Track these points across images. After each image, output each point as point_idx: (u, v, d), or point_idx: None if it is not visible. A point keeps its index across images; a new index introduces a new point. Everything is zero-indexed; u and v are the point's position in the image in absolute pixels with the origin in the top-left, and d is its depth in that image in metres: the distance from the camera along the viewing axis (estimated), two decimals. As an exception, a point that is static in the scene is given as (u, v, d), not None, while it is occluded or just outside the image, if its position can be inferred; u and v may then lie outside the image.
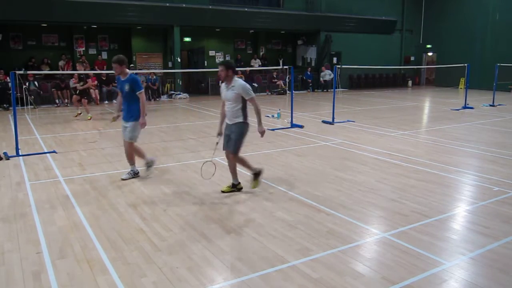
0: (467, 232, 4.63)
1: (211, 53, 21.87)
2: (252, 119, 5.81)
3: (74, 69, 17.99)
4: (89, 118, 12.73)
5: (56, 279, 3.62)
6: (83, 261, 3.94)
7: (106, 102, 17.14)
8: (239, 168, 6.01)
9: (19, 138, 8.41)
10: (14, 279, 3.64)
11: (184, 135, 10.27)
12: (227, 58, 22.20)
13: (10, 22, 16.85)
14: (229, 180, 6.15)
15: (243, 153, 6.17)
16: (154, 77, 18.77)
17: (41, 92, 16.64)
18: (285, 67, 13.78)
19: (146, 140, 9.71)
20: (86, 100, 13.29)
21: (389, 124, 11.96)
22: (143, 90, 6.45)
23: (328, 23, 22.99)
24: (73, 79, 17.05)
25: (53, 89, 16.72)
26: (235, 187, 5.98)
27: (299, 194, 5.85)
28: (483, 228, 4.69)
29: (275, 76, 21.98)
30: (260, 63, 22.59)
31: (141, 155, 6.78)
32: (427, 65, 27.05)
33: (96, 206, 5.41)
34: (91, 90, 16.76)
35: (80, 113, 13.13)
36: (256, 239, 4.42)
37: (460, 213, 5.23)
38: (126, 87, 6.32)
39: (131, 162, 6.68)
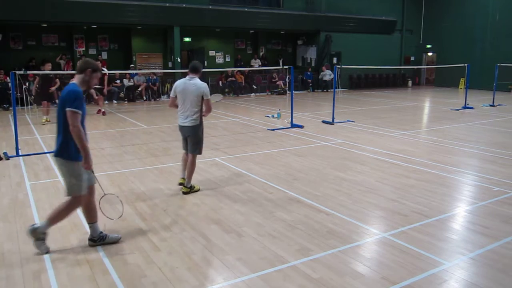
0: (467, 232, 4.63)
1: (211, 53, 21.88)
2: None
3: (75, 69, 18.00)
4: (44, 120, 12.08)
5: (56, 279, 3.62)
6: (83, 261, 3.94)
7: (106, 102, 17.12)
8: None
9: (19, 138, 8.41)
10: (14, 279, 3.64)
11: (184, 135, 10.26)
12: (227, 58, 22.25)
13: (10, 22, 16.85)
14: (228, 180, 6.15)
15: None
16: (154, 77, 18.77)
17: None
18: (285, 67, 13.78)
19: (146, 140, 9.72)
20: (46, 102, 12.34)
21: (389, 124, 11.96)
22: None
23: (328, 23, 22.99)
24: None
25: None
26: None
27: (299, 194, 5.85)
28: (483, 228, 4.69)
29: (274, 76, 21.98)
30: (260, 63, 22.60)
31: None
32: (427, 65, 27.05)
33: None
34: (92, 90, 16.77)
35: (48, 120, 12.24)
36: (256, 239, 4.42)
37: (460, 213, 5.23)
38: None
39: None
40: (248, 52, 23.65)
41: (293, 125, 11.33)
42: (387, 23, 25.15)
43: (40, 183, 6.41)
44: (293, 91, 12.32)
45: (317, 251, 4.13)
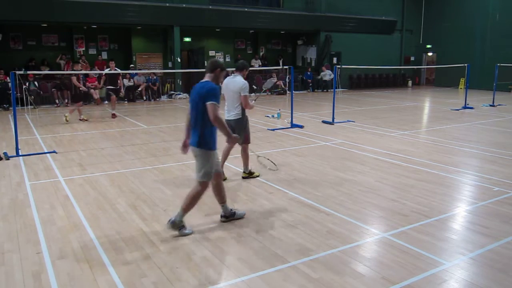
0: (467, 232, 4.63)
1: (211, 53, 21.86)
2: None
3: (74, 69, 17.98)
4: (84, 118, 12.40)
5: (56, 279, 3.62)
6: (83, 261, 3.94)
7: (106, 102, 17.12)
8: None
9: (19, 138, 8.41)
10: (14, 279, 3.64)
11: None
12: (227, 58, 22.22)
13: (10, 22, 16.84)
14: (228, 180, 6.15)
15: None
16: (154, 77, 18.77)
17: (41, 92, 16.65)
18: (285, 67, 13.76)
19: (146, 140, 9.73)
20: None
21: (389, 124, 11.96)
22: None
23: (328, 23, 22.98)
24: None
25: (53, 89, 16.72)
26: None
27: (299, 194, 5.85)
28: (483, 228, 4.69)
29: (274, 76, 21.97)
30: (260, 63, 22.59)
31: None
32: (427, 65, 27.04)
33: (96, 206, 5.41)
34: (92, 90, 16.76)
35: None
36: (256, 239, 4.42)
37: (460, 213, 5.23)
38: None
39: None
40: (248, 52, 23.63)
41: (293, 125, 11.33)
42: (387, 23, 25.13)
43: (40, 183, 6.41)
44: (293, 91, 12.33)
45: (317, 251, 4.13)
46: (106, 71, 12.73)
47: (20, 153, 8.11)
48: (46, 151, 8.51)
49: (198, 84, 4.59)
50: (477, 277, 3.67)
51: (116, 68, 13.21)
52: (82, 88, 12.20)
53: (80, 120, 12.38)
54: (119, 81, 13.26)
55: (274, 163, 6.10)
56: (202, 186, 4.56)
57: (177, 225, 4.51)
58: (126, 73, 17.79)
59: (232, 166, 7.32)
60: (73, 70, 12.29)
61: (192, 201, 4.57)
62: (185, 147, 4.78)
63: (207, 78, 4.62)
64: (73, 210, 5.25)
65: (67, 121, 12.09)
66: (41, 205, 5.42)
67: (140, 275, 3.69)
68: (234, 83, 6.03)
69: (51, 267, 3.82)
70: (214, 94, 4.39)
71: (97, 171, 7.05)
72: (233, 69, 6.34)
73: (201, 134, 4.46)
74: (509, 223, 4.85)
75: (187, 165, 7.38)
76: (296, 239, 4.41)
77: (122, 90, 13.82)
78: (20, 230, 4.66)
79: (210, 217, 5.04)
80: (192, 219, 4.95)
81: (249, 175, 6.59)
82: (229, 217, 4.89)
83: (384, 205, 5.42)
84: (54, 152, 8.39)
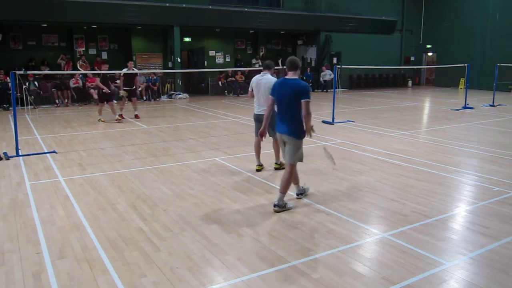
0: (467, 232, 4.63)
1: (211, 53, 21.86)
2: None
3: (74, 69, 18.00)
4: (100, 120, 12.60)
5: (56, 279, 3.62)
6: (83, 261, 3.94)
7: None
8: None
9: (19, 138, 8.41)
10: (14, 279, 3.64)
11: (184, 135, 10.27)
12: (227, 58, 22.22)
13: (10, 22, 16.84)
14: (228, 180, 6.14)
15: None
16: (154, 77, 18.77)
17: (41, 92, 16.65)
18: (285, 67, 13.76)
19: (146, 140, 9.73)
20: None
21: (389, 124, 11.96)
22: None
23: (328, 23, 22.98)
24: (73, 79, 17.10)
25: (53, 89, 16.72)
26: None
27: (299, 194, 5.85)
28: (483, 228, 4.69)
29: (274, 75, 22.00)
30: (260, 63, 22.58)
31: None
32: (427, 65, 27.04)
33: (96, 206, 5.41)
34: (92, 90, 16.76)
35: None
36: (256, 239, 4.42)
37: (460, 213, 5.23)
38: None
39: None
40: (248, 52, 23.64)
41: (293, 125, 11.31)
42: (387, 23, 25.13)
43: (40, 183, 6.41)
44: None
45: (317, 251, 4.13)
46: (124, 71, 12.64)
47: (20, 153, 8.11)
48: (46, 151, 8.51)
49: (286, 80, 5.16)
50: (477, 277, 3.67)
51: (134, 68, 13.14)
52: (105, 89, 12.26)
53: (117, 120, 12.53)
54: (135, 82, 13.20)
55: (334, 162, 5.74)
56: (293, 168, 5.21)
57: (282, 206, 5.16)
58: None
59: (232, 166, 7.33)
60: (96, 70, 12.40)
61: (287, 183, 5.16)
62: (262, 135, 5.80)
63: (291, 75, 5.18)
64: (73, 210, 5.25)
65: (103, 121, 12.41)
66: (41, 205, 5.42)
67: (140, 275, 3.69)
68: (267, 80, 6.65)
69: (51, 267, 3.82)
70: (308, 92, 4.97)
71: (97, 171, 7.05)
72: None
73: (294, 125, 5.08)
74: (509, 223, 4.85)
75: (187, 165, 7.39)
76: (296, 239, 4.41)
77: (138, 91, 13.83)
78: (20, 230, 4.66)
79: (210, 216, 5.04)
80: (192, 219, 4.95)
81: (280, 166, 6.99)
82: (302, 194, 5.64)
83: (384, 205, 5.42)
84: (54, 152, 8.39)
